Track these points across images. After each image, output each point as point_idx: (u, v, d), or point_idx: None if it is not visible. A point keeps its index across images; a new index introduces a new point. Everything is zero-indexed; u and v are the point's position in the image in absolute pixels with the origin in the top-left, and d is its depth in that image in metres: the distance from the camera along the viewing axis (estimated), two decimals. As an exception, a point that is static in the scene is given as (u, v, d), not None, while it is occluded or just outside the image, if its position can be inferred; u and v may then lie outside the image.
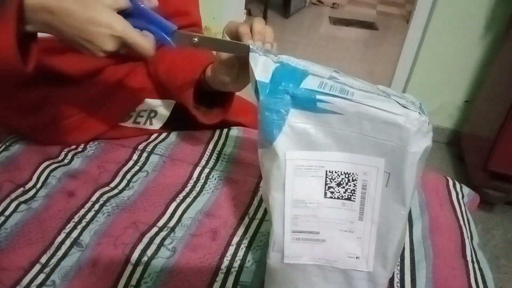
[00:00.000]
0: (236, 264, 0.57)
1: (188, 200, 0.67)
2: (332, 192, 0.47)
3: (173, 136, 0.80)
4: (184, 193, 0.68)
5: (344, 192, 0.46)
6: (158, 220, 0.63)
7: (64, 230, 0.59)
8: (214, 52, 0.60)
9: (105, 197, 0.65)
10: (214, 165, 0.74)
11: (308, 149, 0.45)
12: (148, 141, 0.78)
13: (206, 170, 0.73)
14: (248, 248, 0.59)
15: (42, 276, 0.54)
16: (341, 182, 0.46)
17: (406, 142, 0.43)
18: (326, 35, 3.39)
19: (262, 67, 0.47)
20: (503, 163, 1.55)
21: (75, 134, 0.75)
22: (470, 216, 0.73)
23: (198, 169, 0.73)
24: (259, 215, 0.65)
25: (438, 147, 2.02)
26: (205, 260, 0.57)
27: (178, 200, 0.66)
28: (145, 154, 0.75)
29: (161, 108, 0.80)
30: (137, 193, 0.67)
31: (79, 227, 0.60)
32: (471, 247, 0.65)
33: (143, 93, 0.79)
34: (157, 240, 0.59)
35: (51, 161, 0.72)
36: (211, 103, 0.71)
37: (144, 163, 0.73)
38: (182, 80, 0.68)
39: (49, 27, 0.47)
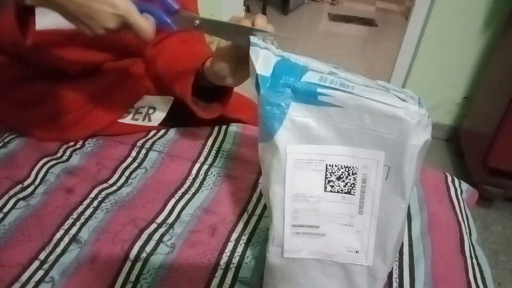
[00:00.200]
0: (235, 260, 0.57)
1: (187, 196, 0.66)
2: (332, 186, 0.46)
3: (171, 132, 0.80)
4: (183, 189, 0.68)
5: (344, 186, 0.46)
6: (157, 216, 0.62)
7: (62, 227, 0.59)
8: (213, 48, 0.60)
9: (103, 193, 0.65)
10: (213, 162, 0.74)
11: (308, 142, 0.45)
12: (147, 137, 0.78)
13: (205, 167, 0.73)
14: (247, 244, 0.59)
15: (41, 273, 0.54)
16: (341, 176, 0.46)
17: (406, 135, 0.43)
18: (325, 31, 3.39)
19: (263, 60, 0.47)
20: (502, 159, 1.55)
21: (73, 130, 0.74)
22: (469, 212, 0.73)
23: (197, 165, 0.73)
24: (258, 211, 0.64)
25: (437, 143, 2.02)
26: (204, 256, 0.57)
27: (177, 196, 0.66)
28: (143, 151, 0.75)
29: (160, 104, 0.80)
30: (135, 189, 0.67)
31: (78, 224, 0.60)
32: (470, 243, 0.65)
33: (142, 90, 0.78)
34: (156, 236, 0.59)
35: (50, 157, 0.71)
36: (210, 99, 0.71)
37: (143, 160, 0.73)
38: (181, 70, 0.68)
39: (49, 1, 0.47)
